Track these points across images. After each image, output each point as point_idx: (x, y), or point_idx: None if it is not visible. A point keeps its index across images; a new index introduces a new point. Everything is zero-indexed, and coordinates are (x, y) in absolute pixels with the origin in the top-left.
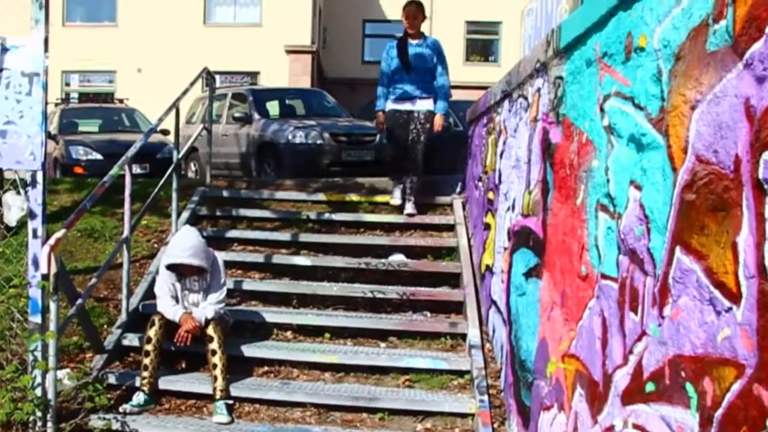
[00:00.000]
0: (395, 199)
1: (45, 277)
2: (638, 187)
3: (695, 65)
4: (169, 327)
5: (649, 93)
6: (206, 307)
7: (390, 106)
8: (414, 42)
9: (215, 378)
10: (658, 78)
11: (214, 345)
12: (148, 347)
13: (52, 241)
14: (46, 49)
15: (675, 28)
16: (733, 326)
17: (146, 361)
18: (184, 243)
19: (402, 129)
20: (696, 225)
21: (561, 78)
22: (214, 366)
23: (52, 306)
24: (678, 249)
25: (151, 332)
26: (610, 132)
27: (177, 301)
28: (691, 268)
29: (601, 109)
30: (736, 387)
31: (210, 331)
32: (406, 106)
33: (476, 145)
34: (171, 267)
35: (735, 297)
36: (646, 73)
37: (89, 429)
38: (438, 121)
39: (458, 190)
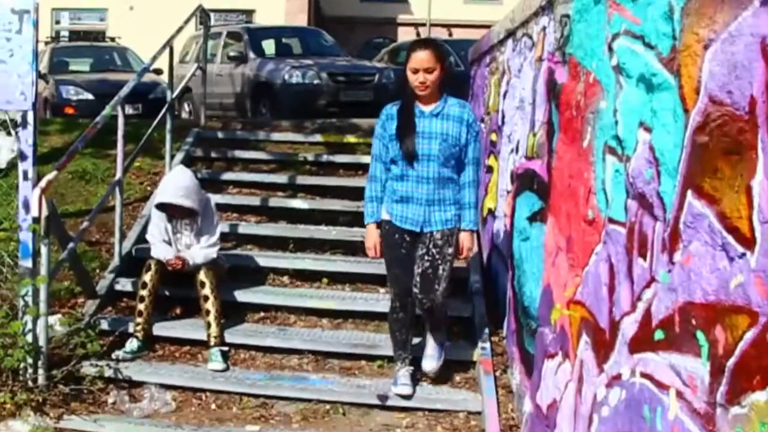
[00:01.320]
0: (401, 386)
1: (36, 220)
2: (648, 129)
3: (709, 2)
4: (165, 271)
5: (660, 31)
6: (196, 252)
7: (387, 216)
8: (427, 109)
9: (209, 324)
10: (670, 16)
11: (206, 290)
12: (143, 292)
13: (43, 183)
14: None
15: None
16: (746, 273)
17: (141, 306)
18: (176, 183)
19: (406, 256)
20: (708, 168)
21: (567, 16)
22: (207, 312)
23: (44, 250)
24: (689, 193)
25: (147, 277)
26: (619, 72)
27: (170, 244)
28: (703, 213)
29: (610, 49)
30: (750, 335)
31: (202, 276)
32: (412, 223)
33: (478, 85)
34: (161, 207)
35: (749, 242)
36: (657, 11)
37: (81, 376)
38: (466, 244)
39: None
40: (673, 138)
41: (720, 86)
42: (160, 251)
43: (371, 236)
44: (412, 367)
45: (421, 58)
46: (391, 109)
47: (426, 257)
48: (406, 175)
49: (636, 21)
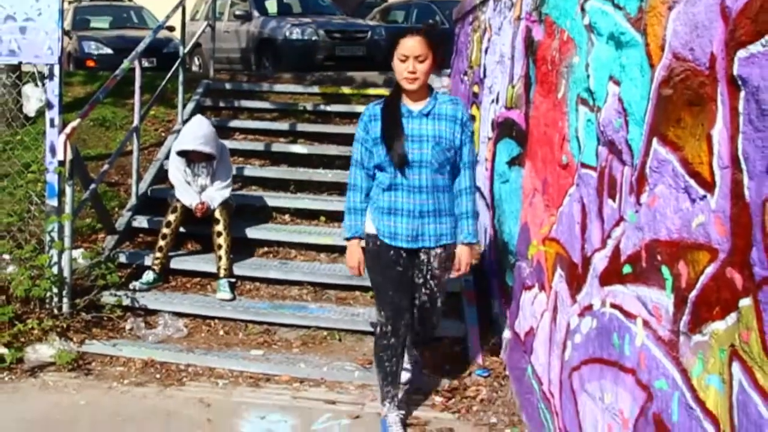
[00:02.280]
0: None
1: (61, 163)
2: (617, 83)
3: None
4: (187, 213)
5: None
6: (214, 193)
7: (371, 229)
8: (416, 108)
9: (219, 258)
10: None
11: (219, 227)
12: (166, 231)
13: (68, 129)
14: None
15: None
16: (707, 213)
17: (162, 243)
18: (196, 131)
19: (402, 275)
20: (672, 118)
21: None
22: (219, 246)
23: (68, 190)
24: (655, 140)
25: (172, 217)
26: (591, 30)
27: (189, 185)
28: (668, 159)
29: (582, 9)
30: (710, 270)
31: (216, 214)
32: (404, 239)
33: (462, 42)
34: (182, 153)
35: (709, 186)
36: None
37: (101, 305)
38: (464, 259)
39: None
40: (640, 90)
41: (683, 44)
42: (186, 197)
43: (353, 254)
44: (402, 412)
45: (411, 45)
46: (374, 108)
47: (424, 289)
48: (394, 185)
49: None
